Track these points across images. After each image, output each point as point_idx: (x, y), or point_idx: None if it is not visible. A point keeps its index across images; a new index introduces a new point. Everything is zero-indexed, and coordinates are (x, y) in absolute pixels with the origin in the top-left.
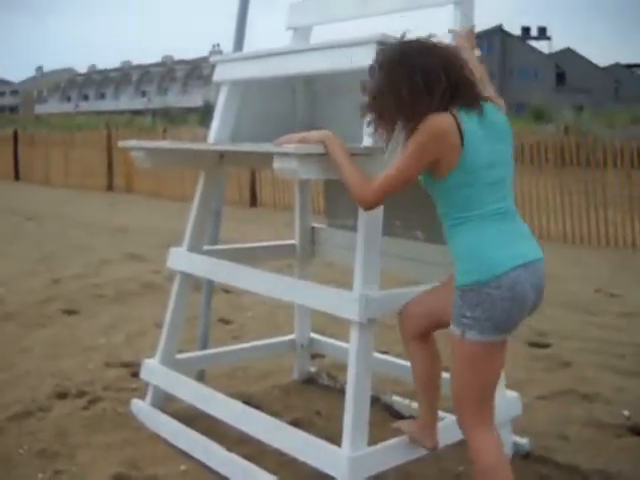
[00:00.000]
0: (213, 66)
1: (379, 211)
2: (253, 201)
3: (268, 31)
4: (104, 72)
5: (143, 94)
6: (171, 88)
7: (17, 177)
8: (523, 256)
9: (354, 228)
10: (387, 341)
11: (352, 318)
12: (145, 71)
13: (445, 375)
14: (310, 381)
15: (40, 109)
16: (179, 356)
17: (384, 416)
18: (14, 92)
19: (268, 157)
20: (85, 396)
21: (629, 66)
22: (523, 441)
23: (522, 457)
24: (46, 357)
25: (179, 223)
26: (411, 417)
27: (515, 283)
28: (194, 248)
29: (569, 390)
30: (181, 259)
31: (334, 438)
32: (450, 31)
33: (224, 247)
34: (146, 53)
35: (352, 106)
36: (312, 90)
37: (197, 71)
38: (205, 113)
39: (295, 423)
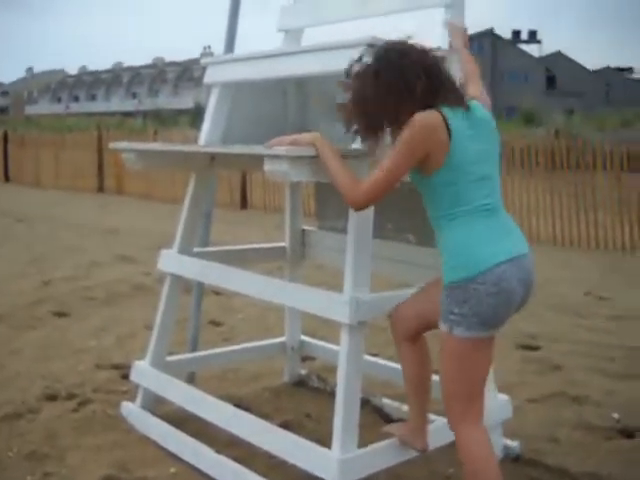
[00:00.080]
0: (204, 68)
1: (370, 213)
2: (244, 203)
3: (259, 33)
4: (95, 73)
5: (134, 96)
6: (162, 90)
7: (7, 178)
8: (509, 251)
9: (344, 230)
10: (377, 343)
11: (342, 321)
12: (136, 73)
13: (436, 378)
14: (300, 383)
15: (30, 110)
16: (169, 358)
17: (374, 418)
18: (4, 93)
19: (259, 159)
20: (75, 398)
21: (620, 70)
22: (513, 444)
23: (512, 460)
24: (36, 359)
25: (170, 225)
26: (400, 420)
27: (500, 279)
28: (184, 250)
29: (559, 393)
30: (171, 261)
31: (324, 440)
32: (445, 24)
33: (215, 249)
34: (137, 55)
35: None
36: (303, 92)
37: (188, 73)
38: (196, 115)
39: (285, 425)
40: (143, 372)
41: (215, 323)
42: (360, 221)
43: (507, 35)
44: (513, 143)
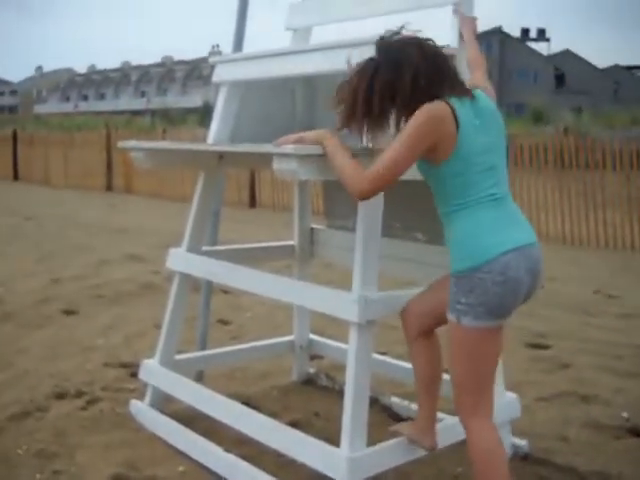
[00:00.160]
0: (212, 67)
1: (378, 212)
2: (252, 202)
3: (268, 32)
4: (104, 72)
5: (142, 94)
6: (170, 88)
7: (16, 177)
8: (515, 241)
9: (353, 229)
10: (386, 342)
11: (351, 319)
12: (145, 71)
13: (445, 377)
14: (309, 382)
15: (39, 109)
16: (178, 357)
17: (383, 417)
18: (13, 92)
19: (267, 158)
20: (84, 396)
21: (628, 68)
22: (522, 443)
23: (521, 458)
24: (45, 357)
25: (178, 224)
26: (409, 419)
27: (507, 267)
28: (193, 249)
29: (568, 391)
30: (180, 260)
31: (333, 439)
32: (454, 12)
33: (223, 248)
34: (146, 53)
35: None
36: (312, 91)
37: (196, 72)
38: (204, 114)
39: (294, 424)
40: (152, 370)
41: (224, 322)
42: (369, 219)
43: (516, 33)
44: (522, 141)
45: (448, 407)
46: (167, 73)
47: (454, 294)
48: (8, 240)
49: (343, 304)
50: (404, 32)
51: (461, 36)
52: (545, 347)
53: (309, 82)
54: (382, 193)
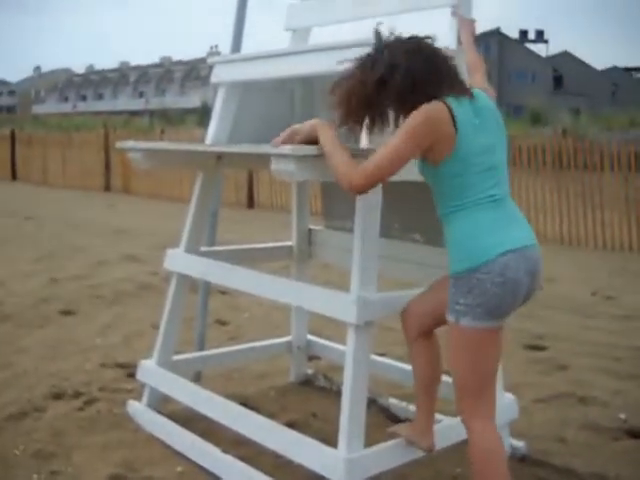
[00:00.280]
0: (211, 67)
1: (376, 213)
2: (250, 202)
3: (267, 32)
4: (102, 73)
5: (141, 95)
6: (169, 89)
7: (14, 177)
8: (514, 241)
9: (351, 230)
10: (385, 343)
11: (349, 320)
12: (143, 72)
13: (445, 378)
14: (307, 383)
15: (38, 109)
16: (176, 357)
17: (380, 418)
18: (11, 92)
19: (266, 158)
20: (81, 397)
21: (627, 69)
22: (520, 444)
23: (519, 460)
24: (43, 357)
25: (176, 224)
26: (407, 420)
27: (506, 268)
28: (191, 249)
29: (566, 393)
30: (178, 260)
31: (330, 440)
32: (453, 14)
33: (221, 248)
34: (144, 54)
35: None
36: (310, 91)
37: (195, 72)
38: (203, 114)
39: (291, 425)
40: (149, 371)
41: (221, 322)
42: (367, 220)
43: (514, 35)
44: (520, 142)
45: (447, 408)
46: (165, 73)
47: (453, 295)
48: (7, 240)
49: (341, 305)
50: (406, 33)
51: (459, 39)
52: (543, 348)
53: (308, 83)
54: (380, 195)
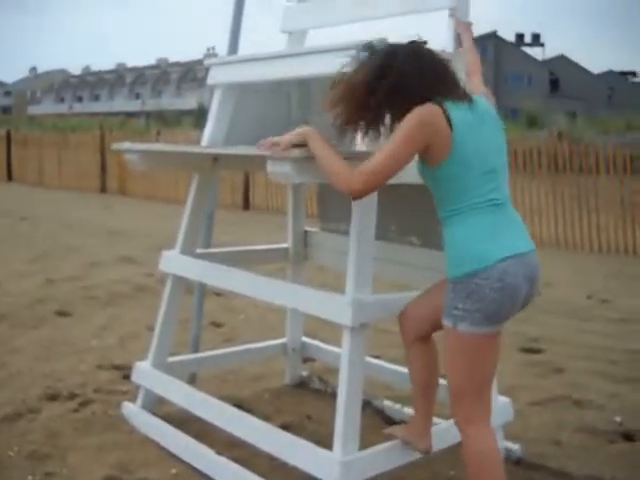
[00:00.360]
0: (207, 69)
1: (372, 215)
2: (246, 204)
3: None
4: (98, 74)
5: (137, 96)
6: (165, 90)
7: (10, 178)
8: (513, 247)
9: (347, 232)
10: (380, 345)
11: (344, 322)
12: (139, 73)
13: (442, 382)
14: (301, 385)
15: (33, 110)
16: (171, 359)
17: (375, 421)
18: (7, 93)
19: (262, 160)
20: (76, 398)
21: (623, 73)
22: (515, 447)
23: (514, 463)
24: (38, 358)
25: (172, 226)
26: (402, 422)
27: (505, 274)
28: (187, 251)
29: (561, 396)
30: (173, 262)
31: (325, 442)
32: (451, 15)
33: (217, 250)
34: (140, 55)
35: None
36: (307, 93)
37: (191, 74)
38: (199, 116)
39: (286, 427)
40: (144, 373)
41: (216, 324)
42: (362, 222)
43: (510, 38)
44: (516, 145)
45: (442, 412)
46: (162, 75)
47: (451, 300)
48: (2, 241)
49: (336, 307)
50: (403, 35)
51: (460, 41)
52: (538, 351)
53: (304, 85)
54: (376, 196)
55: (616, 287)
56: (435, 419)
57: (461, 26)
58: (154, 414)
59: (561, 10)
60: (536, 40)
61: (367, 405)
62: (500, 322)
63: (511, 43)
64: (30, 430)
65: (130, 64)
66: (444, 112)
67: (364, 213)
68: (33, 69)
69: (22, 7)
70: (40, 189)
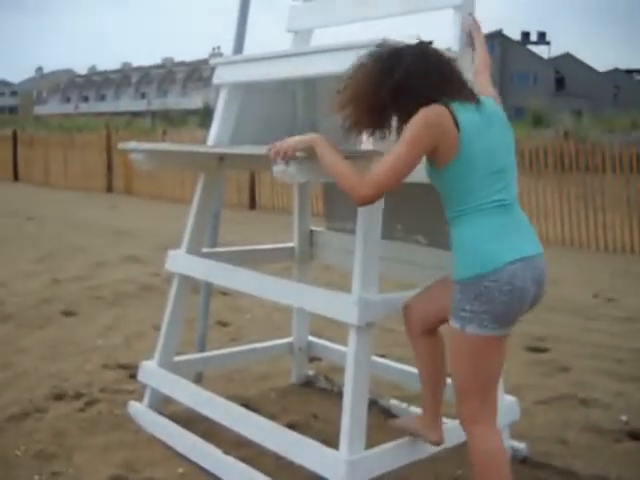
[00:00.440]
0: (213, 68)
1: (378, 214)
2: (252, 204)
3: (269, 33)
4: (104, 73)
5: (143, 96)
6: (171, 90)
7: (16, 178)
8: (523, 250)
9: (353, 231)
10: (385, 344)
11: (350, 322)
12: (145, 73)
13: (449, 380)
14: (308, 384)
15: (40, 110)
16: (177, 358)
17: (381, 420)
18: (13, 93)
19: (267, 160)
20: (82, 398)
21: (628, 71)
22: (521, 446)
23: (520, 462)
24: (44, 358)
25: (178, 225)
26: None
27: (514, 276)
28: (193, 250)
29: (567, 395)
30: (180, 261)
31: (331, 441)
32: (462, 18)
33: (223, 250)
34: (146, 55)
35: None
36: (312, 92)
37: (197, 73)
38: (205, 115)
39: (292, 426)
40: (151, 372)
41: (222, 323)
42: (369, 221)
43: (516, 36)
44: (522, 144)
45: (448, 411)
46: (167, 74)
47: (458, 301)
48: (8, 240)
49: (343, 306)
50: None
51: (471, 39)
52: (544, 350)
53: (310, 84)
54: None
55: (622, 286)
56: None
57: (472, 25)
58: (160, 413)
59: (567, 8)
60: (542, 38)
61: (373, 404)
62: (508, 325)
63: (517, 42)
64: (37, 430)
65: (136, 64)
66: (451, 113)
67: (370, 212)
68: (39, 69)
69: (22, 7)
70: (46, 189)
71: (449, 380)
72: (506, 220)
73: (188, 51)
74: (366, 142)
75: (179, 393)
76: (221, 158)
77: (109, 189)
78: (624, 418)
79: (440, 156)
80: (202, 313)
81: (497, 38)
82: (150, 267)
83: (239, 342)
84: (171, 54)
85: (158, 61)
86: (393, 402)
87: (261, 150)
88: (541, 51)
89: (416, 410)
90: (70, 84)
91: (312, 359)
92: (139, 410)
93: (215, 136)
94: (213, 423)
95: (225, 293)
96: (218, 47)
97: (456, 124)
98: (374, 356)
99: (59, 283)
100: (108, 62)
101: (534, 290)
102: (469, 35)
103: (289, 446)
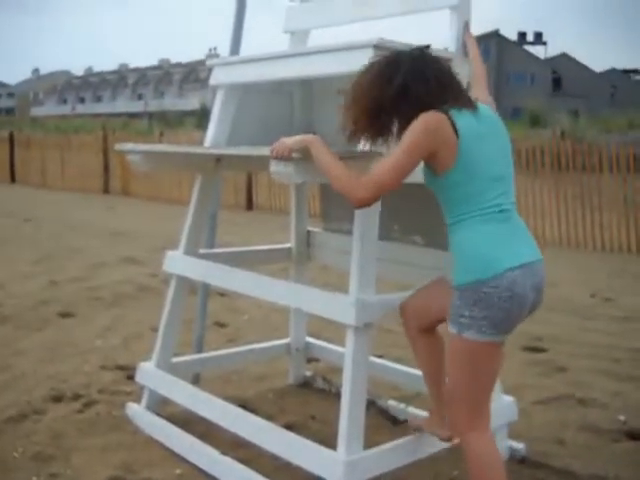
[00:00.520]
0: (210, 69)
1: (375, 215)
2: (249, 205)
3: (266, 33)
4: (101, 75)
5: (140, 97)
6: (168, 91)
7: (13, 179)
8: (523, 256)
9: (350, 232)
10: (383, 345)
11: (348, 322)
12: (142, 74)
13: None
14: (305, 385)
15: (36, 111)
16: (175, 359)
17: (379, 420)
18: (10, 94)
19: (264, 161)
20: (80, 399)
21: (625, 71)
22: (519, 446)
23: (518, 462)
24: (42, 360)
25: (175, 226)
26: (407, 421)
27: (514, 284)
28: (190, 251)
29: (565, 395)
30: (177, 262)
31: (329, 442)
32: (458, 27)
33: (220, 250)
34: (143, 56)
35: None
36: (309, 93)
37: (194, 74)
38: (202, 116)
39: (290, 427)
40: (148, 373)
41: (220, 324)
42: (366, 222)
43: (513, 36)
44: (519, 144)
45: None
46: (164, 76)
47: (457, 307)
48: (6, 242)
49: (340, 307)
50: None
51: (466, 50)
52: (542, 350)
53: (307, 85)
54: None
55: (619, 285)
56: None
57: (466, 36)
58: (158, 414)
59: (563, 8)
60: (538, 39)
61: (371, 405)
62: (507, 331)
63: (513, 42)
64: (35, 431)
65: (132, 65)
66: (450, 119)
67: (367, 213)
68: (36, 70)
69: (22, 7)
70: (43, 190)
71: None
72: (505, 226)
73: (185, 52)
74: (363, 143)
75: (177, 394)
76: (218, 159)
77: (106, 190)
78: (622, 418)
79: (439, 162)
80: (200, 314)
81: (494, 38)
82: (148, 268)
83: (237, 343)
84: (168, 55)
85: (155, 62)
86: (391, 402)
87: (258, 151)
88: (538, 51)
89: (414, 410)
90: (67, 85)
91: (310, 360)
92: (137, 411)
93: (212, 137)
94: (211, 424)
95: (223, 294)
96: (215, 48)
97: (455, 131)
98: (372, 357)
99: (57, 284)
100: (105, 63)
101: (533, 297)
102: (464, 45)
103: (287, 447)
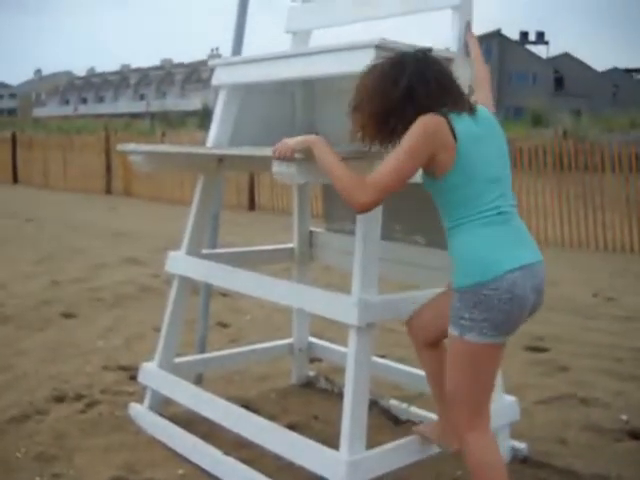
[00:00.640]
0: (212, 70)
1: (378, 215)
2: (252, 205)
3: (268, 34)
4: (103, 75)
5: (142, 97)
6: (170, 91)
7: (15, 180)
8: (523, 258)
9: (352, 232)
10: (386, 345)
11: (350, 322)
12: (144, 74)
13: None
14: (308, 385)
15: (39, 112)
16: (177, 360)
17: (382, 420)
18: (12, 95)
19: (267, 161)
20: (83, 399)
21: (627, 70)
22: (521, 446)
23: (520, 462)
24: (44, 360)
25: (177, 227)
26: (409, 421)
27: (514, 285)
28: (192, 252)
29: (567, 395)
30: (179, 263)
31: (331, 442)
32: (462, 29)
33: (222, 251)
34: (145, 56)
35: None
36: (311, 93)
37: (196, 74)
38: (204, 117)
39: (292, 427)
40: (151, 373)
41: (222, 324)
42: (368, 222)
43: (515, 36)
44: (521, 144)
45: None
46: (166, 76)
47: (457, 309)
48: (8, 242)
49: (342, 307)
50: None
51: (467, 50)
52: (544, 350)
53: (309, 85)
54: None
55: (622, 285)
56: None
57: (468, 37)
58: (161, 415)
59: (565, 8)
60: (540, 38)
61: (374, 405)
62: (508, 332)
63: (515, 41)
64: (37, 431)
65: (134, 65)
66: (448, 123)
67: (370, 213)
68: (38, 71)
69: (22, 7)
70: (45, 191)
71: None
72: (505, 228)
73: (187, 52)
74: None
75: (179, 394)
76: (220, 159)
77: (108, 191)
78: (624, 417)
79: (438, 166)
80: (202, 314)
81: (495, 38)
82: (150, 268)
83: (239, 343)
84: (170, 55)
85: (157, 62)
86: (393, 402)
87: (260, 151)
88: (539, 51)
89: (416, 410)
90: (69, 86)
91: (312, 360)
92: (139, 411)
93: (214, 137)
94: (213, 424)
95: (225, 294)
96: (217, 48)
97: (453, 134)
98: (374, 356)
99: (59, 285)
100: (107, 64)
101: (533, 298)
102: (465, 45)
103: (289, 447)
